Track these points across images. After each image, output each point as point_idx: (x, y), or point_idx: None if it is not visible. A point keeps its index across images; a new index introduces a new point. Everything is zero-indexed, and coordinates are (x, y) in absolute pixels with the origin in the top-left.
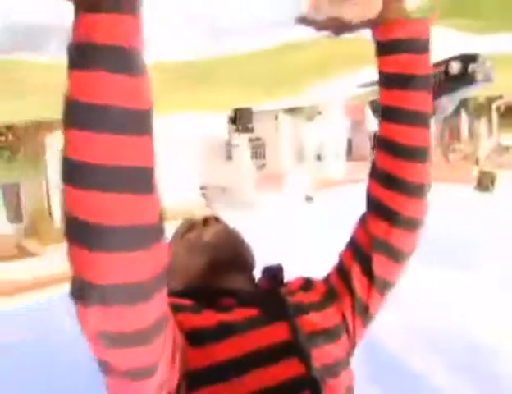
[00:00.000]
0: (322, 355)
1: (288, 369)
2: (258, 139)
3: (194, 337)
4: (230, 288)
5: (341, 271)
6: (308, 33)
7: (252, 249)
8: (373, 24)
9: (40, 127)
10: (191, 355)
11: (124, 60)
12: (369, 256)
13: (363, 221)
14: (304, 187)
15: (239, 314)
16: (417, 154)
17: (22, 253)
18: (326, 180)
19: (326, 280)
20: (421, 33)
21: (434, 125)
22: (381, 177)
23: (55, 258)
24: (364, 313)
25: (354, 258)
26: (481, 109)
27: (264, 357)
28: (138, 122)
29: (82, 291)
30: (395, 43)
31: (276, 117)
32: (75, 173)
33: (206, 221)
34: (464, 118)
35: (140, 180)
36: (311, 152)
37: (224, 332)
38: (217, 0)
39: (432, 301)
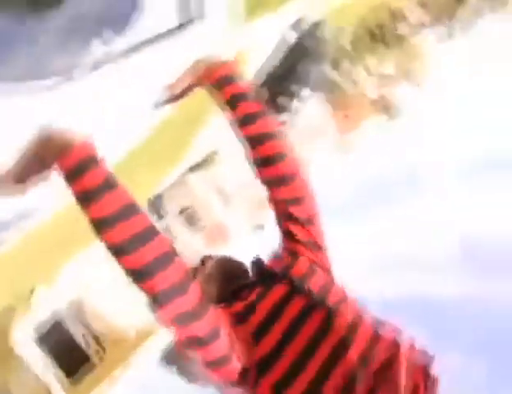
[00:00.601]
0: (313, 284)
1: (298, 304)
2: (186, 207)
3: (235, 319)
4: (242, 284)
5: (286, 235)
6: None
7: (242, 261)
8: (202, 81)
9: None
10: (236, 331)
11: (108, 182)
12: (290, 213)
13: (271, 199)
14: (248, 220)
15: (254, 295)
16: (275, 159)
17: None
18: (263, 202)
19: (284, 248)
20: (231, 69)
21: (322, 100)
22: (258, 163)
23: None
24: (316, 246)
25: (286, 221)
26: (336, 62)
27: (280, 307)
28: (132, 208)
29: (152, 304)
30: (218, 82)
31: (186, 181)
32: (117, 252)
33: (203, 261)
34: (335, 80)
35: (148, 233)
36: (234, 188)
37: (250, 309)
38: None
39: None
